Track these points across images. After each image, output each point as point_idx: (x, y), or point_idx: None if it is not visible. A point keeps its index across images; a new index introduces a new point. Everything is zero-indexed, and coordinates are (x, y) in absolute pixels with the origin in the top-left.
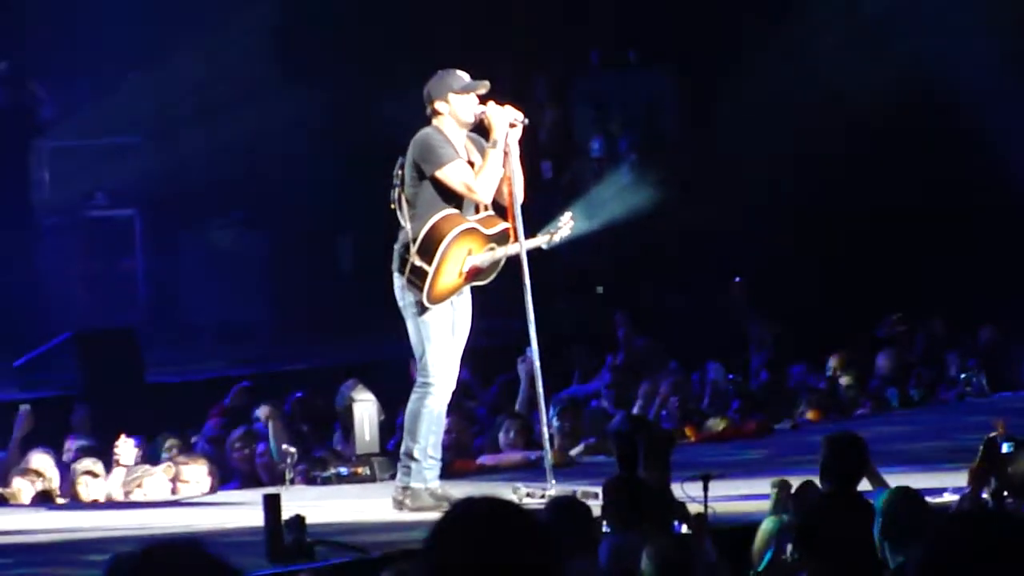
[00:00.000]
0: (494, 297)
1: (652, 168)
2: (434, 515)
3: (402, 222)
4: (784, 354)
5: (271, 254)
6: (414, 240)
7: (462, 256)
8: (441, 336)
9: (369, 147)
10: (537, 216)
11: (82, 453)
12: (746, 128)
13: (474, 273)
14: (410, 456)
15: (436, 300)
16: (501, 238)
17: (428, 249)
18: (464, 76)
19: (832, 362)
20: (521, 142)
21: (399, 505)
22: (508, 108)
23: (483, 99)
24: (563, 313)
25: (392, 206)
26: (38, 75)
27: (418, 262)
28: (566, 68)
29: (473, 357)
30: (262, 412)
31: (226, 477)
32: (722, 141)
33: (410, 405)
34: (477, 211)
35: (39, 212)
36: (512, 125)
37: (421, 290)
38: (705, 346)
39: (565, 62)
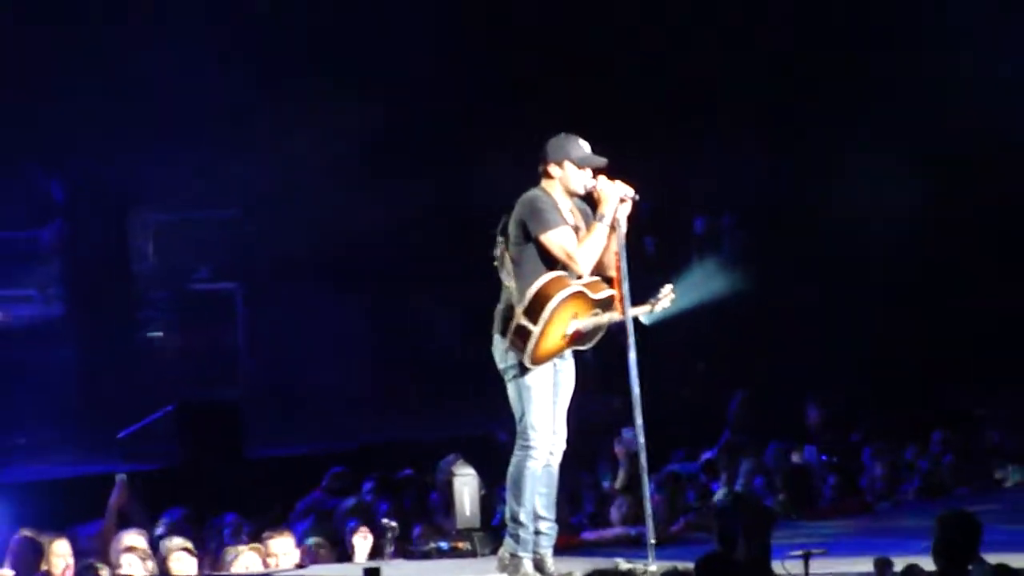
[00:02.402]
0: (589, 374)
1: (756, 246)
2: None
3: (505, 281)
4: (883, 432)
5: (373, 327)
6: (521, 300)
7: (567, 319)
8: (542, 398)
9: (471, 221)
10: (637, 291)
11: (173, 529)
12: (853, 206)
13: (576, 337)
14: (516, 520)
15: (538, 361)
16: (606, 304)
17: (535, 309)
18: (586, 146)
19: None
20: (630, 218)
21: (503, 568)
22: (619, 183)
23: (595, 172)
24: (665, 390)
25: (495, 263)
26: (142, 149)
27: (524, 321)
28: (672, 146)
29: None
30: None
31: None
32: (828, 219)
33: (511, 469)
34: (579, 278)
35: (142, 285)
36: (623, 200)
37: (523, 351)
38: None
39: (668, 140)
